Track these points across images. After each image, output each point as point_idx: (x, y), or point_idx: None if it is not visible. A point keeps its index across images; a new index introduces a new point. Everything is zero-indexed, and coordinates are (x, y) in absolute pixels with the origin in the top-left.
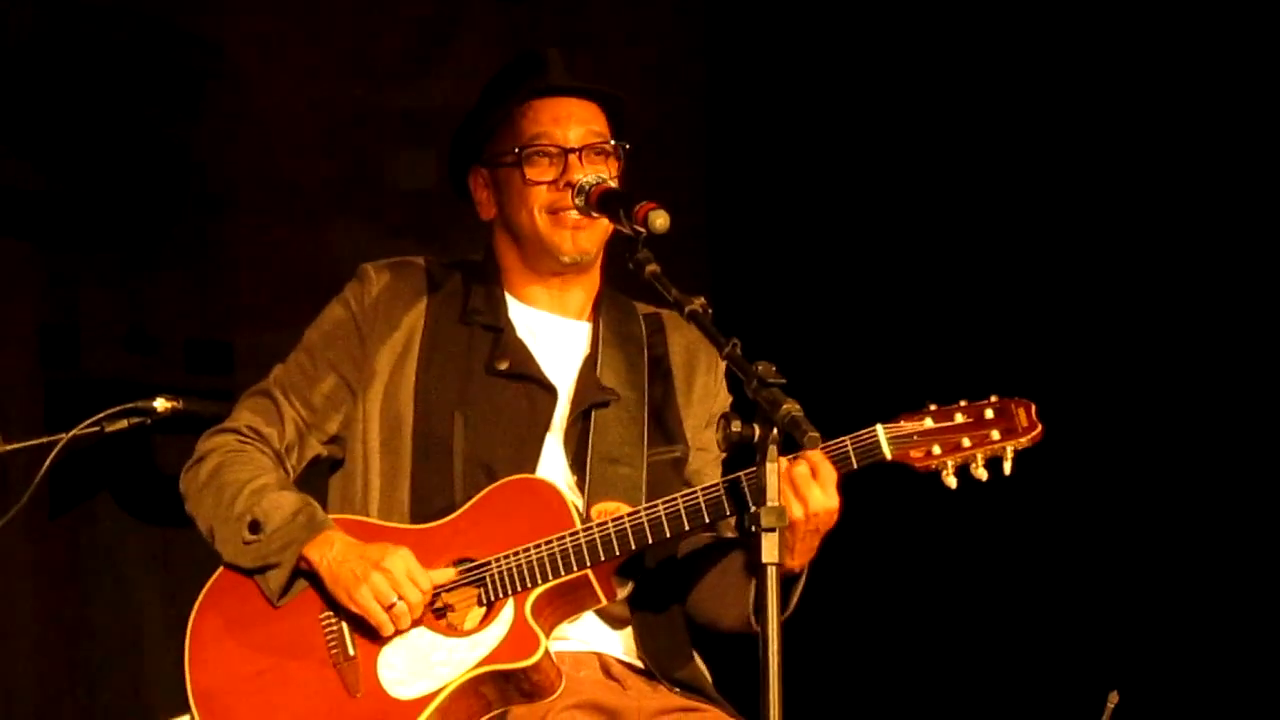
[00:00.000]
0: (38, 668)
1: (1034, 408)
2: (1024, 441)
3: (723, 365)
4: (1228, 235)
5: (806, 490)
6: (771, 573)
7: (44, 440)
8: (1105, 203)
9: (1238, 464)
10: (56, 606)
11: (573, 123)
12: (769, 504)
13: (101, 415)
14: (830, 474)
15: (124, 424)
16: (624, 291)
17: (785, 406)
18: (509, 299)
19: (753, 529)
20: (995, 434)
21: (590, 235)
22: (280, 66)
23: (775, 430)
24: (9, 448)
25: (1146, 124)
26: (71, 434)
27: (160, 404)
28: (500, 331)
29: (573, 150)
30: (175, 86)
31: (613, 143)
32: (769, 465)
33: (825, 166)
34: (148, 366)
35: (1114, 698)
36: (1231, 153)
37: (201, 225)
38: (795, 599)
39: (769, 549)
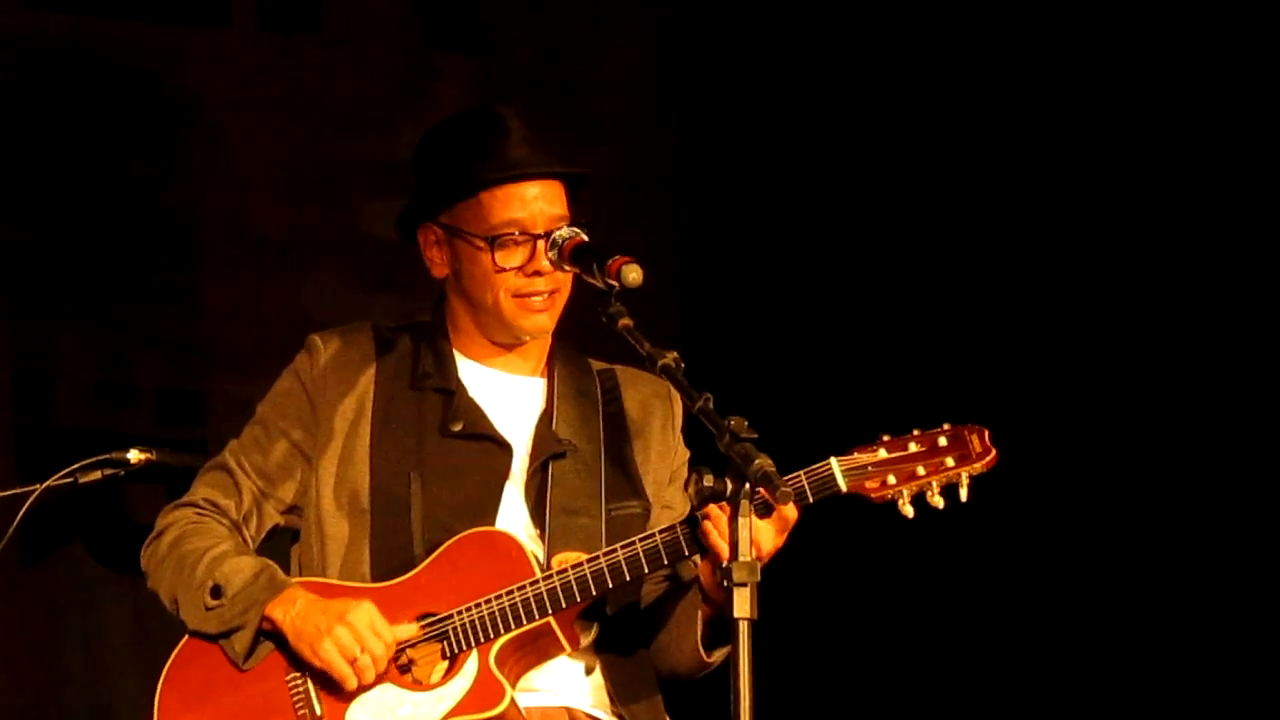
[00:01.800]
0: (12, 709)
1: (987, 433)
2: (979, 467)
3: (679, 420)
4: (1187, 256)
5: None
6: (743, 628)
7: (17, 491)
8: (1051, 237)
9: (1198, 477)
10: (29, 656)
11: (541, 206)
12: (740, 559)
13: (75, 466)
14: (792, 511)
15: (97, 475)
16: (578, 340)
17: (758, 462)
18: (460, 359)
19: (725, 584)
20: (950, 461)
21: (552, 314)
22: (253, 116)
23: (747, 485)
24: None
25: (1115, 141)
26: (46, 485)
27: (134, 455)
28: (451, 394)
29: (540, 236)
30: (149, 137)
31: (576, 228)
32: (741, 520)
33: (792, 216)
34: (120, 416)
35: None
36: (1192, 181)
37: (175, 275)
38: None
39: (741, 603)
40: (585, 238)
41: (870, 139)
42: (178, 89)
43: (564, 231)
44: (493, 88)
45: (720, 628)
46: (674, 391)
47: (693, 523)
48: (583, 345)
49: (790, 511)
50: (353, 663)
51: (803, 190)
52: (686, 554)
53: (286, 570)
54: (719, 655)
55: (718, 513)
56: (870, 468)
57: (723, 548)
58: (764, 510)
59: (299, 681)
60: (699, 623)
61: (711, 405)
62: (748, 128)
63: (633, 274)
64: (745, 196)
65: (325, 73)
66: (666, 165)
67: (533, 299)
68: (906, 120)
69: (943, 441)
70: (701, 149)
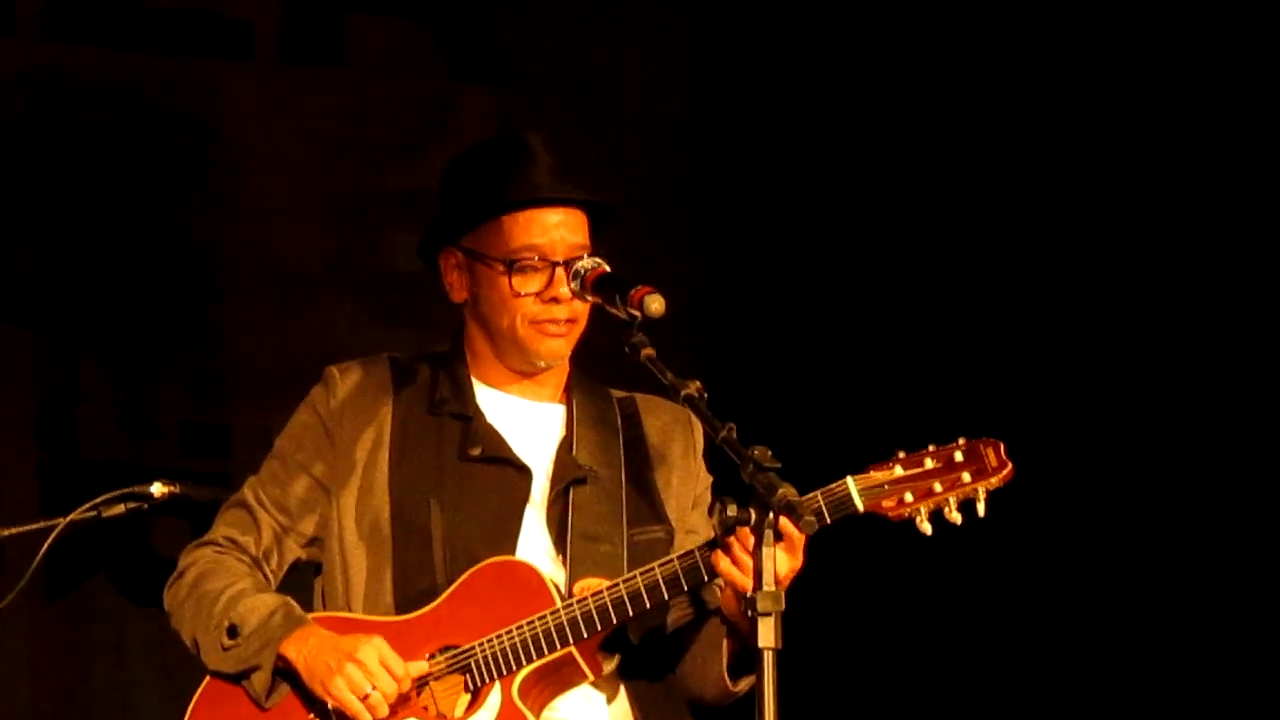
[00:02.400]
0: None
1: (1003, 446)
2: (995, 481)
3: (700, 445)
4: (1197, 264)
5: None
6: (768, 658)
7: (41, 525)
8: (1053, 248)
9: (1218, 486)
10: (55, 691)
11: (562, 234)
12: (765, 589)
13: (99, 500)
14: (801, 537)
15: (121, 509)
16: (594, 368)
17: (781, 491)
18: (478, 386)
19: (749, 613)
20: (966, 476)
21: (569, 342)
22: (276, 148)
23: (771, 514)
24: (6, 533)
25: (1129, 152)
26: (69, 519)
27: (157, 489)
28: (470, 419)
29: (559, 264)
30: (171, 169)
31: (599, 258)
32: (765, 550)
33: (806, 244)
34: (143, 449)
35: None
36: (1197, 189)
37: (198, 307)
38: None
39: (766, 633)
40: (607, 268)
41: (887, 170)
42: (199, 121)
43: (586, 262)
44: (514, 120)
45: (746, 656)
46: (694, 419)
47: (713, 547)
48: (599, 379)
49: (794, 529)
50: (364, 699)
51: (819, 221)
52: (706, 579)
53: (310, 603)
54: (745, 684)
55: (732, 542)
56: (887, 486)
57: (735, 575)
58: (777, 535)
59: (321, 717)
60: (724, 651)
61: (735, 435)
62: (769, 159)
63: (655, 304)
64: (765, 228)
65: (347, 105)
66: (688, 197)
67: (549, 325)
68: (924, 152)
69: (958, 456)
70: (723, 181)
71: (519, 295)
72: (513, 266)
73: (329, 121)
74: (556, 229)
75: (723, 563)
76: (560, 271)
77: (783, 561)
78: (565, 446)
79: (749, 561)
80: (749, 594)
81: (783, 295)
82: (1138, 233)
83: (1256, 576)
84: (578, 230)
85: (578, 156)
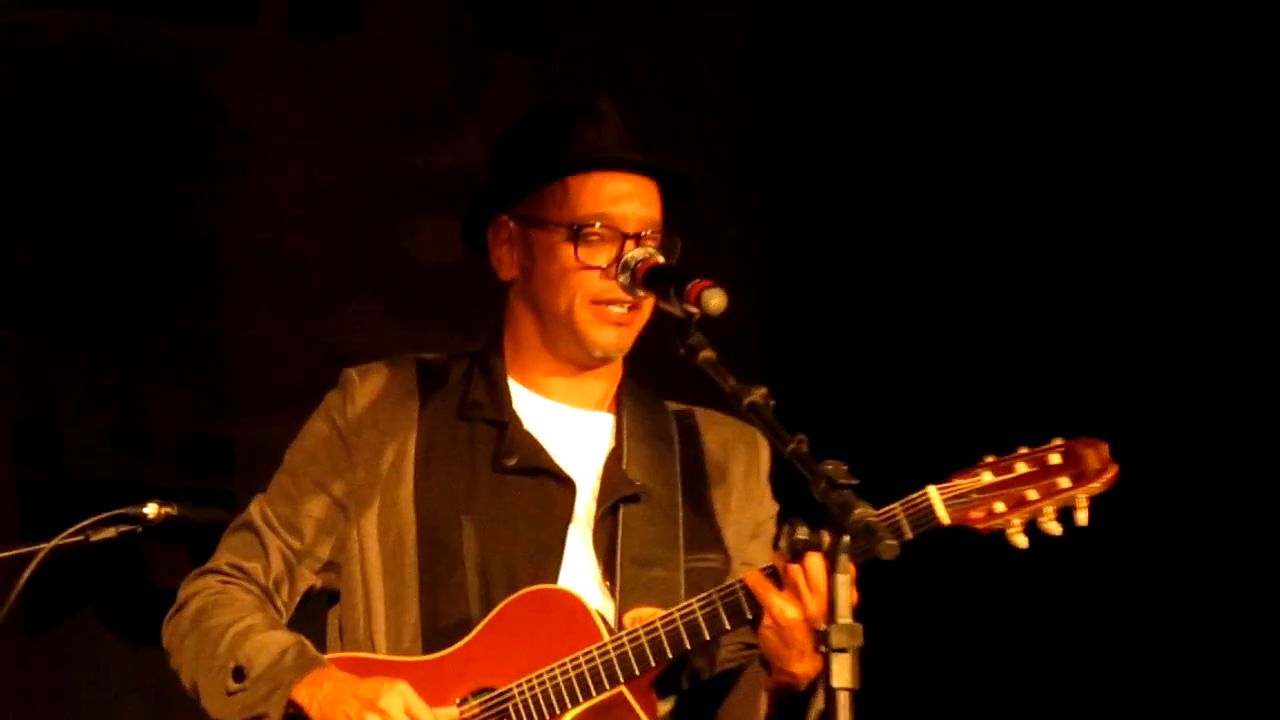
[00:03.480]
0: None
1: (1106, 447)
2: (1098, 486)
3: (765, 468)
4: None
5: (819, 579)
6: (843, 700)
7: (21, 551)
8: (1154, 236)
9: None
10: None
11: (635, 205)
12: (839, 621)
13: (86, 523)
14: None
15: (112, 532)
16: (656, 379)
17: (858, 512)
18: (516, 389)
19: (821, 649)
20: (1065, 481)
21: (630, 333)
22: (287, 126)
23: (846, 537)
24: None
25: (1212, 148)
26: (53, 544)
27: (152, 510)
28: (505, 426)
29: (630, 236)
30: (169, 150)
31: (675, 238)
32: (840, 577)
33: (883, 230)
34: (137, 466)
35: None
36: None
37: (198, 306)
38: (813, 715)
39: (840, 672)
40: (661, 259)
41: (964, 157)
42: (198, 97)
43: (637, 253)
44: (556, 93)
45: (788, 708)
46: (760, 437)
47: (773, 573)
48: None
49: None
50: None
51: (897, 204)
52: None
53: (323, 638)
54: None
55: (806, 563)
56: (974, 495)
57: (778, 603)
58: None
59: None
60: (761, 702)
61: (806, 448)
62: (838, 136)
63: (715, 300)
64: (836, 214)
65: (365, 77)
66: (750, 179)
67: (612, 308)
68: (1012, 137)
69: (1055, 459)
70: (789, 160)
71: (583, 268)
72: (578, 234)
73: (344, 95)
74: (629, 199)
75: (766, 590)
76: (630, 245)
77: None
78: (614, 459)
79: (808, 593)
80: (822, 627)
81: (857, 290)
82: (1229, 221)
83: None
84: (651, 203)
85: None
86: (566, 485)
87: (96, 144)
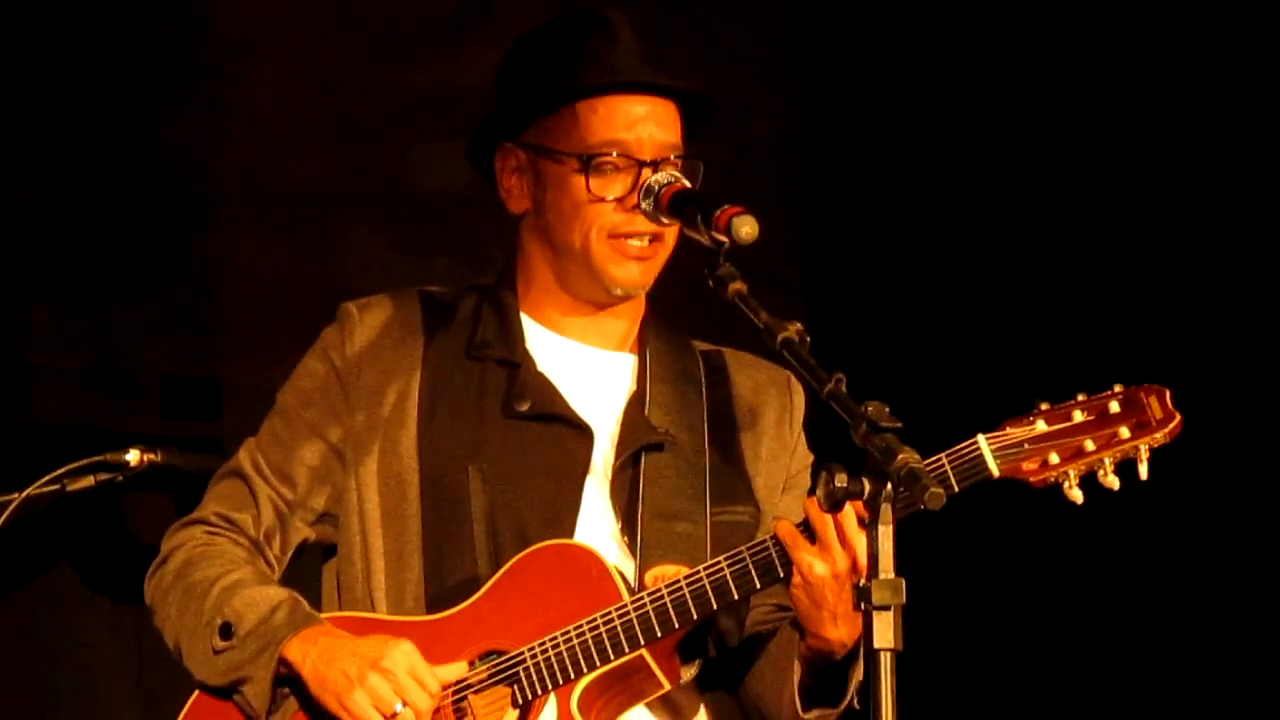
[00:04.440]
0: None
1: (1169, 394)
2: (1160, 437)
3: (799, 415)
4: None
5: (853, 532)
6: (885, 661)
7: None
8: (1207, 186)
9: None
10: (8, 697)
11: (651, 129)
12: (882, 576)
13: (62, 471)
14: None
15: (90, 481)
16: (683, 318)
17: (901, 457)
18: (530, 325)
19: (861, 607)
20: (1125, 431)
21: (651, 267)
22: (279, 42)
23: (889, 485)
24: None
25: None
26: (25, 494)
27: (133, 457)
28: (517, 366)
29: (647, 164)
30: (148, 70)
31: (697, 162)
32: (882, 529)
33: (930, 161)
34: (116, 409)
35: None
36: None
37: (183, 236)
38: (852, 688)
39: (883, 631)
40: (687, 184)
41: (1013, 90)
42: (183, 8)
43: (661, 176)
44: (571, 4)
45: (823, 680)
46: (794, 382)
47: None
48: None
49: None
50: (391, 718)
51: (946, 129)
52: None
53: (319, 597)
54: (818, 715)
55: (841, 516)
56: (1027, 445)
57: (808, 558)
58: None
59: None
60: (795, 668)
61: (844, 388)
62: (884, 55)
63: (746, 228)
64: (882, 137)
65: None
66: (787, 99)
67: (631, 242)
68: (1049, 75)
69: (1114, 407)
70: (830, 81)
71: (596, 200)
72: (590, 164)
73: (341, 7)
74: (644, 123)
75: (801, 550)
76: (647, 173)
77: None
78: (636, 404)
79: (840, 546)
80: (862, 583)
81: (902, 221)
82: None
83: None
84: (669, 126)
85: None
86: (583, 433)
87: (70, 59)
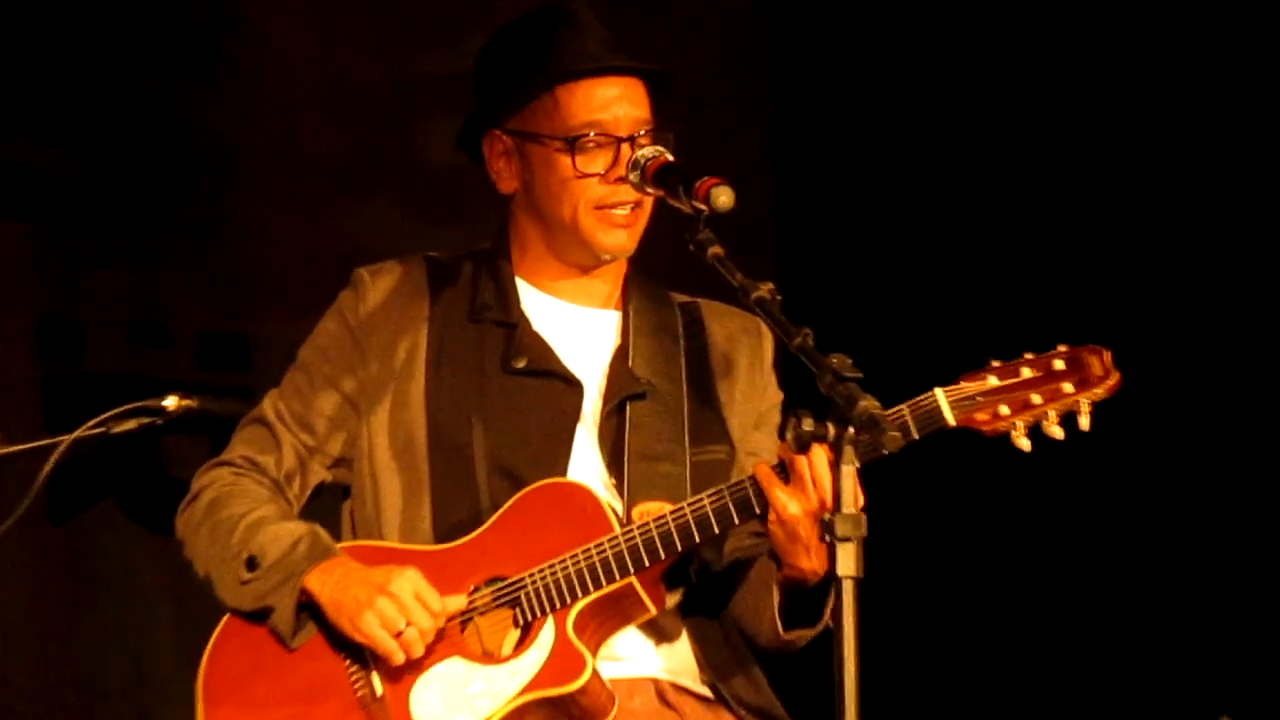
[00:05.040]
0: (37, 687)
1: (1108, 354)
2: (1100, 392)
3: (769, 358)
4: None
5: (822, 474)
6: (848, 588)
7: (44, 442)
8: (1159, 148)
9: None
10: (58, 622)
11: (625, 108)
12: (844, 511)
13: (107, 415)
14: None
15: (132, 425)
16: (661, 274)
17: (863, 404)
18: (524, 288)
19: (826, 539)
20: (1068, 386)
21: (635, 232)
22: (304, 25)
23: (851, 429)
24: (5, 450)
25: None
26: (74, 436)
27: (171, 403)
28: (514, 327)
29: (625, 140)
30: (186, 49)
31: (668, 134)
32: (845, 468)
33: (894, 130)
34: (156, 361)
35: None
36: None
37: (216, 203)
38: (827, 611)
39: (845, 560)
40: (670, 157)
41: (981, 54)
42: (217, 5)
43: (647, 151)
44: None
45: (800, 603)
46: (764, 327)
47: (784, 468)
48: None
49: None
50: (398, 636)
51: (910, 100)
52: None
53: (339, 532)
54: (798, 635)
55: (810, 457)
56: (980, 398)
57: (783, 497)
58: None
59: (356, 658)
60: (774, 593)
61: (811, 342)
62: (849, 34)
63: (723, 197)
64: (850, 111)
65: None
66: (760, 76)
67: (615, 211)
68: (1022, 38)
69: (1059, 365)
70: (800, 56)
71: (582, 176)
72: (574, 145)
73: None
74: (618, 103)
75: (775, 489)
76: (626, 149)
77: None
78: (620, 357)
79: (812, 487)
80: (827, 517)
81: (867, 190)
82: (1223, 133)
83: None
84: (639, 103)
85: (639, 27)
86: (574, 386)
87: (118, 44)
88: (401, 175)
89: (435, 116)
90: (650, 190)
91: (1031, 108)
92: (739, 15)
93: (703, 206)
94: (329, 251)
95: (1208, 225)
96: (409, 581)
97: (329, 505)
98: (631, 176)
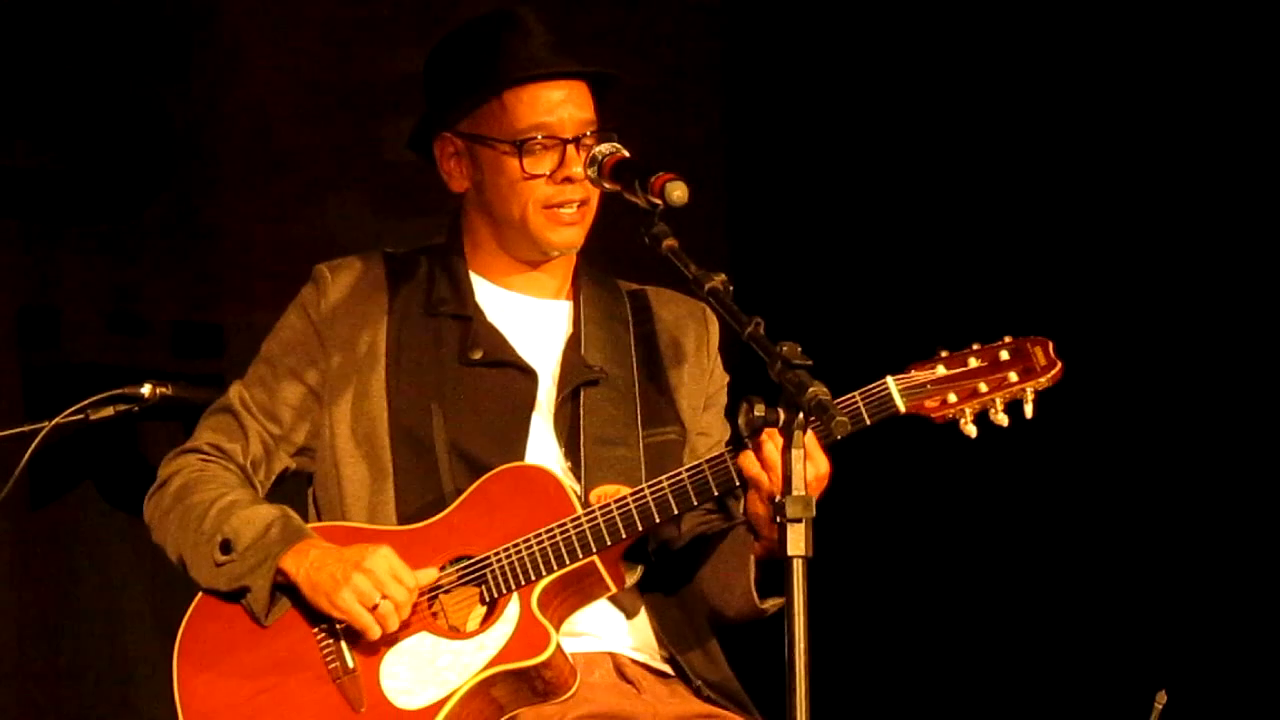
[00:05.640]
0: (17, 669)
1: (1051, 345)
2: (1044, 381)
3: (715, 341)
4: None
5: (774, 457)
6: (798, 567)
7: (24, 429)
8: (1117, 144)
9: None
10: (37, 605)
11: (570, 110)
12: (795, 493)
13: (86, 403)
14: (813, 438)
15: (110, 411)
16: (609, 265)
17: (811, 390)
18: (478, 282)
19: (777, 519)
20: (1013, 375)
21: (583, 229)
22: (274, 26)
23: (801, 414)
24: None
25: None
26: (54, 422)
27: (148, 390)
28: (469, 320)
29: (570, 141)
30: (160, 48)
31: (610, 134)
32: (795, 452)
33: (844, 125)
34: (132, 350)
35: (1162, 698)
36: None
37: (189, 198)
38: None
39: (795, 541)
40: (626, 153)
41: (929, 43)
42: (187, 4)
43: (604, 147)
44: None
45: (775, 572)
46: (710, 313)
47: (741, 450)
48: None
49: (810, 436)
50: (373, 610)
51: (860, 97)
52: (738, 485)
53: (304, 516)
54: (773, 604)
55: (766, 441)
56: (929, 386)
57: (765, 480)
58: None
59: (328, 633)
60: (750, 565)
61: (763, 330)
62: (801, 30)
63: (677, 191)
64: (800, 107)
65: None
66: (713, 74)
67: (563, 210)
68: (971, 33)
69: (1004, 355)
70: (750, 56)
71: (530, 177)
72: (522, 147)
73: (328, 3)
74: (564, 105)
75: (752, 466)
76: (572, 150)
77: (814, 463)
78: (573, 346)
79: (780, 465)
80: (777, 499)
81: (817, 184)
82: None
83: None
84: (584, 105)
85: (591, 28)
86: (529, 375)
87: (94, 44)
88: (370, 171)
89: (403, 114)
90: (607, 185)
91: (975, 102)
92: (692, 14)
93: (657, 200)
94: (299, 245)
95: (1154, 213)
96: (383, 558)
97: (291, 490)
98: (589, 171)
